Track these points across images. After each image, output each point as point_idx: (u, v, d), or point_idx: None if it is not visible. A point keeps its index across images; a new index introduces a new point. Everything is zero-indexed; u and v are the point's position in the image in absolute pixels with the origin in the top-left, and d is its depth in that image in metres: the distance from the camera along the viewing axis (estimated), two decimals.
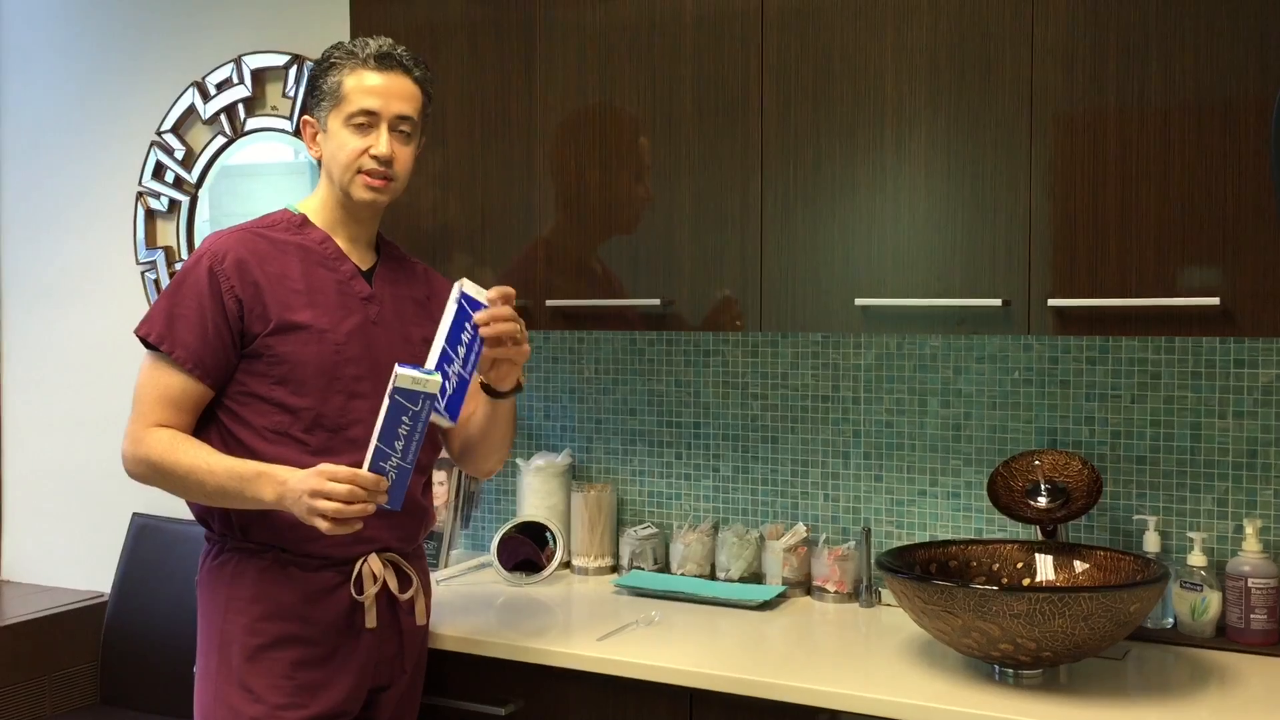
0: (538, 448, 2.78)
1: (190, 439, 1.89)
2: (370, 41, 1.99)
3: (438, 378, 1.78)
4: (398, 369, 1.77)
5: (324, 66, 1.99)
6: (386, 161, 1.96)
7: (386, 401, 1.76)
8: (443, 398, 1.83)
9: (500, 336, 1.89)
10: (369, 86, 1.95)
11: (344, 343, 1.95)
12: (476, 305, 1.87)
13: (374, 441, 1.77)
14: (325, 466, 1.78)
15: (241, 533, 1.93)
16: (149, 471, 1.90)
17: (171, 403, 1.90)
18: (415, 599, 2.03)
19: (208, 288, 1.90)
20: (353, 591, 1.95)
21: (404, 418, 1.77)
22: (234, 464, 1.85)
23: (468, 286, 1.87)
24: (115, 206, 3.35)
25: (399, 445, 1.77)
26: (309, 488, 1.76)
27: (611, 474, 2.72)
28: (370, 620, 1.96)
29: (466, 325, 1.86)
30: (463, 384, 1.87)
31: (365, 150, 1.95)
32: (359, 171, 1.96)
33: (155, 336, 1.90)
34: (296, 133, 3.06)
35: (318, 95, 1.99)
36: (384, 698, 2.03)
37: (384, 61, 1.97)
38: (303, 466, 1.84)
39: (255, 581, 1.93)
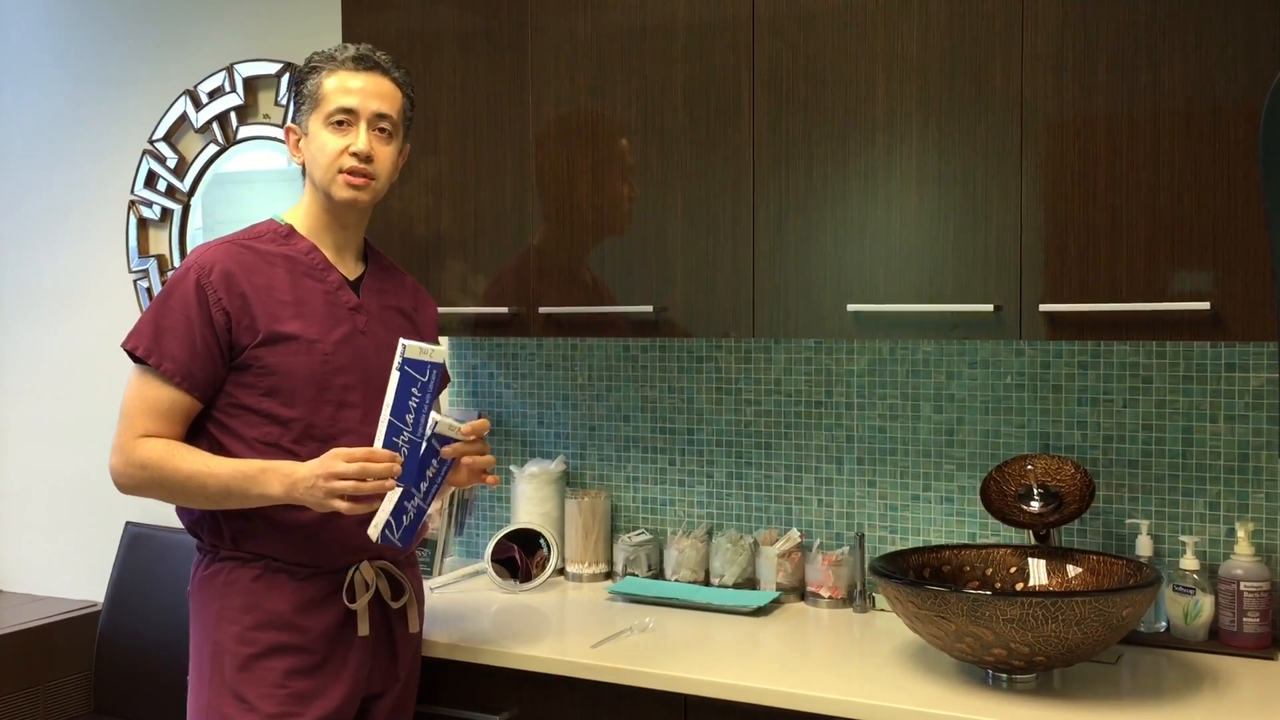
0: (531, 455, 2.79)
1: (185, 445, 1.89)
2: (349, 46, 2.01)
3: (443, 347, 1.83)
4: (404, 341, 1.81)
5: (304, 72, 2.00)
6: (366, 158, 1.96)
7: (396, 375, 1.80)
8: (397, 528, 1.83)
9: (474, 468, 1.91)
10: (347, 86, 1.97)
11: (332, 353, 1.95)
12: (446, 440, 1.86)
13: (386, 417, 1.80)
14: (338, 450, 1.80)
15: (233, 543, 1.93)
16: (144, 480, 1.88)
17: (160, 415, 1.89)
18: (408, 607, 2.03)
19: (195, 300, 1.90)
20: (345, 600, 1.95)
21: (413, 389, 1.80)
22: (236, 464, 1.86)
23: (441, 426, 1.85)
24: (107, 215, 3.35)
25: (409, 419, 1.81)
26: (323, 471, 1.79)
27: (605, 480, 2.72)
28: (363, 628, 1.96)
29: (434, 461, 1.85)
30: (420, 514, 1.86)
31: (345, 149, 1.96)
32: (340, 171, 1.96)
33: (143, 350, 1.90)
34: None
35: (299, 100, 2.00)
36: (377, 706, 2.03)
37: (362, 62, 1.98)
38: None
39: (247, 591, 1.92)
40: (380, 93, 1.98)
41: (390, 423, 1.80)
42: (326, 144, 1.96)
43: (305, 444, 1.91)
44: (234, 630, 1.91)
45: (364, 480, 1.77)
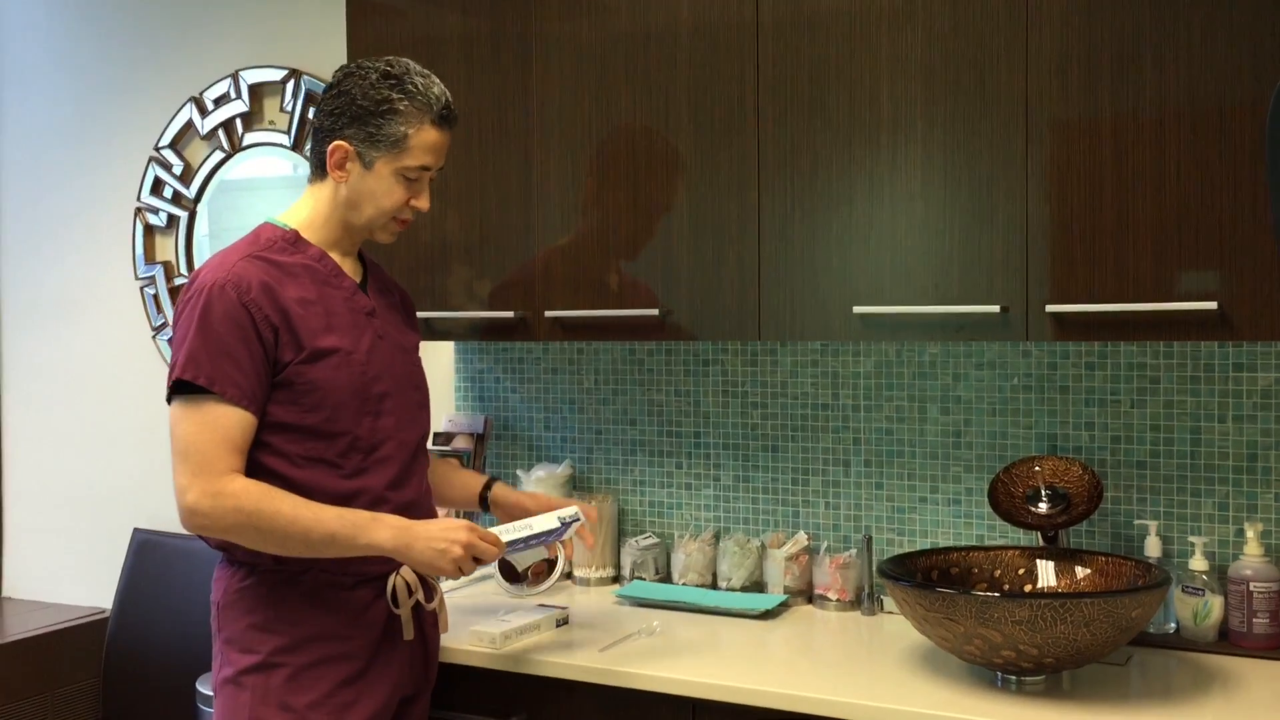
0: (538, 459, 2.78)
1: (278, 489, 1.83)
2: (432, 89, 1.94)
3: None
4: (579, 508, 2.07)
5: (383, 108, 1.91)
6: (422, 213, 2.00)
7: (556, 523, 2.02)
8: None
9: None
10: (432, 144, 1.94)
11: (366, 363, 1.93)
12: (571, 522, 2.07)
13: (525, 536, 1.98)
14: (474, 526, 1.89)
15: (275, 560, 1.88)
16: (235, 522, 1.80)
17: (236, 446, 1.82)
18: (439, 608, 2.04)
19: (245, 319, 1.83)
20: (390, 605, 1.95)
21: (555, 532, 2.03)
22: (341, 511, 1.84)
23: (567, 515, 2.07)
24: (114, 222, 3.36)
25: (533, 543, 2.03)
26: (461, 540, 1.86)
27: (612, 484, 2.72)
28: (408, 632, 1.96)
29: (551, 537, 2.06)
30: (520, 549, 2.04)
31: (407, 201, 1.96)
32: (395, 219, 1.98)
33: (205, 379, 1.80)
34: (294, 147, 3.07)
35: (372, 135, 1.91)
36: (411, 710, 2.03)
37: (446, 121, 1.96)
38: (337, 491, 1.87)
39: (295, 603, 1.90)
40: (447, 148, 1.99)
41: (525, 540, 1.99)
42: (394, 192, 1.94)
43: (350, 457, 1.90)
44: (280, 642, 1.88)
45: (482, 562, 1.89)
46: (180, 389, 1.83)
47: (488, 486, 2.22)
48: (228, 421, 1.82)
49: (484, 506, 2.23)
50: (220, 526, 1.81)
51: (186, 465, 1.81)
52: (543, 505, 2.15)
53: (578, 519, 2.07)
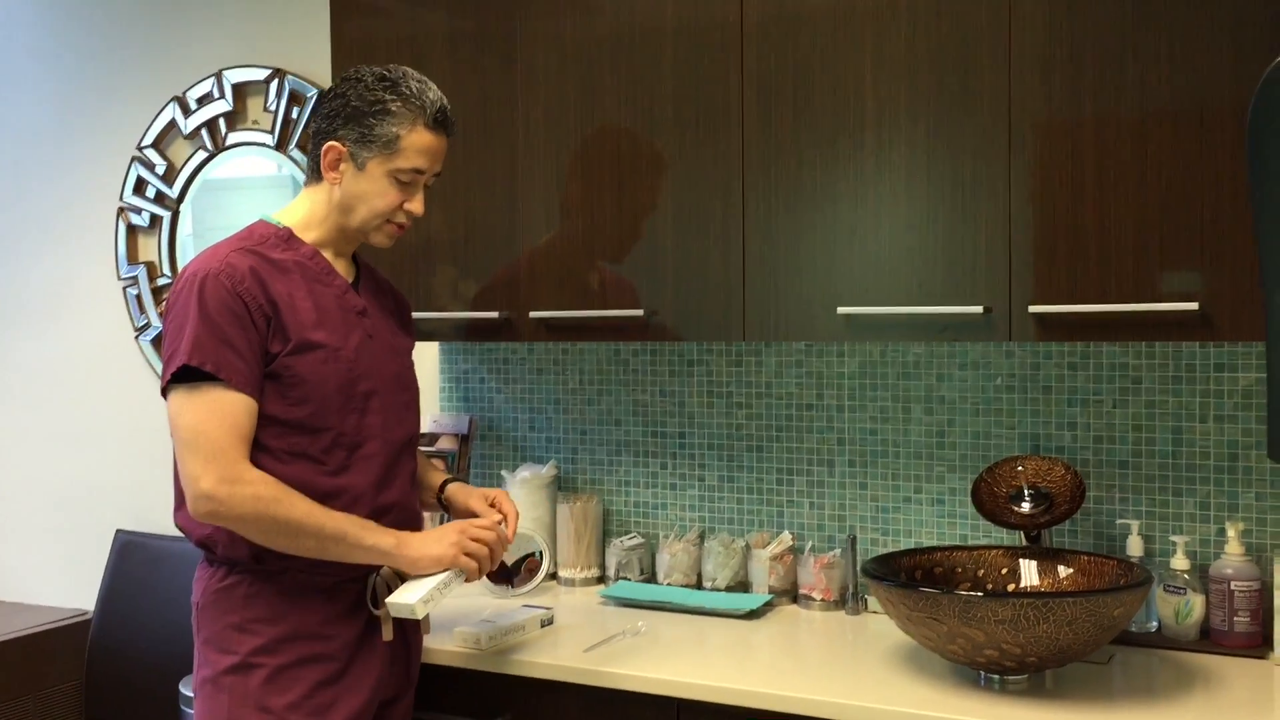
0: (523, 459, 2.78)
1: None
2: (428, 92, 1.95)
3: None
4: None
5: (376, 109, 1.92)
6: (417, 217, 1.99)
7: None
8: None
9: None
10: (425, 146, 1.94)
11: (354, 360, 1.93)
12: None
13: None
14: (464, 524, 1.99)
15: (254, 558, 1.88)
16: (251, 511, 1.79)
17: (243, 433, 1.81)
18: None
19: (240, 307, 1.83)
20: (370, 606, 1.94)
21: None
22: (346, 513, 1.87)
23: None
24: (96, 222, 3.35)
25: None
26: (457, 526, 1.96)
27: (597, 485, 2.72)
28: (387, 633, 1.96)
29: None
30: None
31: (401, 204, 1.96)
32: (389, 222, 1.97)
33: (212, 365, 1.80)
34: (278, 147, 3.06)
35: (364, 135, 1.92)
36: (391, 711, 2.03)
37: (441, 125, 1.96)
38: (320, 488, 1.87)
39: (273, 603, 1.89)
40: (443, 153, 1.99)
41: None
42: (386, 193, 1.94)
43: (333, 453, 1.90)
44: (258, 642, 1.88)
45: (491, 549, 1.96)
46: (181, 377, 1.82)
47: (444, 485, 2.18)
48: (235, 408, 1.82)
49: (441, 505, 2.20)
50: (234, 515, 1.80)
51: (196, 453, 1.80)
52: (482, 501, 2.12)
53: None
